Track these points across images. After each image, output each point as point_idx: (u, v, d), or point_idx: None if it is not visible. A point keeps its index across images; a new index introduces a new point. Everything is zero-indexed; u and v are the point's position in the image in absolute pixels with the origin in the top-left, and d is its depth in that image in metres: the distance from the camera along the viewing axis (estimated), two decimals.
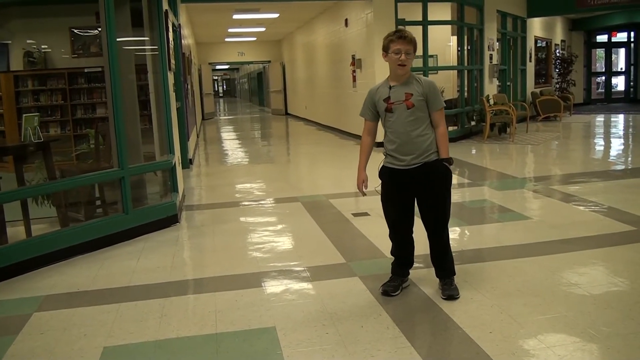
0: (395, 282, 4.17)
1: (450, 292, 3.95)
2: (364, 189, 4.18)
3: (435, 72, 14.13)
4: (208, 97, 25.98)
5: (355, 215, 6.48)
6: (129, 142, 5.87)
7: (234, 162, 11.94)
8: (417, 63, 13.66)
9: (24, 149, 6.05)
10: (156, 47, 6.76)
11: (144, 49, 6.94)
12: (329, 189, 8.21)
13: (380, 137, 4.03)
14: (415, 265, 4.33)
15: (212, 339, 3.55)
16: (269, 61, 26.91)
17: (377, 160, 4.21)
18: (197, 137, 16.00)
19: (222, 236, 5.95)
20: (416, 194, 4.03)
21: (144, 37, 6.87)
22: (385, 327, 3.56)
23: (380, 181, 4.15)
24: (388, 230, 4.21)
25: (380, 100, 3.99)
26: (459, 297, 3.95)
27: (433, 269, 4.20)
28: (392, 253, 4.28)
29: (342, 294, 4.17)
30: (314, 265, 4.85)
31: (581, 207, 6.47)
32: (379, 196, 4.19)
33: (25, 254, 4.99)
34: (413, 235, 4.19)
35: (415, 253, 4.28)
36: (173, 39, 8.11)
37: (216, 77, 56.54)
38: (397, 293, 4.11)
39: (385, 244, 5.19)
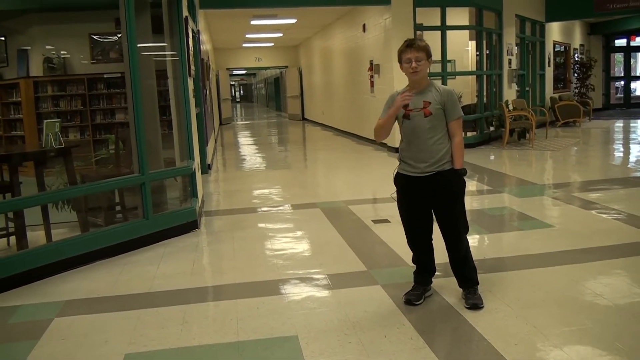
0: (418, 291, 4.14)
1: (474, 301, 3.92)
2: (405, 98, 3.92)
3: (454, 77, 14.08)
4: (225, 103, 26.05)
5: (375, 222, 6.44)
6: (149, 147, 5.88)
7: (252, 168, 11.94)
8: (436, 68, 13.62)
9: (45, 154, 6.08)
10: (176, 53, 6.78)
11: (164, 54, 6.96)
12: (348, 195, 8.17)
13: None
14: (437, 274, 4.29)
15: (233, 346, 3.53)
16: (286, 66, 26.95)
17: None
18: (215, 142, 16.03)
19: (241, 242, 5.94)
20: (430, 202, 4.02)
21: (164, 43, 6.89)
22: (409, 338, 3.53)
23: (395, 188, 4.16)
24: (406, 237, 4.20)
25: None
26: (483, 307, 3.90)
27: (455, 277, 4.16)
28: (413, 261, 4.26)
29: (364, 302, 4.14)
30: (335, 272, 4.82)
31: (603, 215, 6.39)
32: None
33: (46, 259, 5.02)
34: (432, 242, 4.17)
35: (436, 261, 4.25)
36: (192, 45, 8.12)
37: (233, 83, 56.73)
38: (419, 302, 4.08)
39: (406, 252, 5.13)
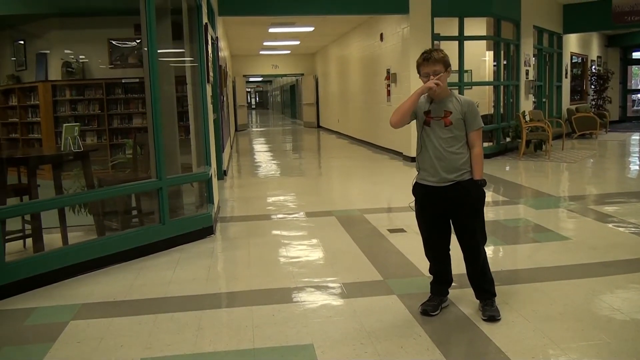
0: (435, 302, 4.12)
1: (491, 313, 3.89)
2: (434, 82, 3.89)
3: (470, 87, 14.05)
4: (241, 109, 26.13)
5: (391, 231, 6.43)
6: (166, 153, 5.91)
7: (267, 175, 11.96)
8: (453, 78, 13.60)
9: (64, 157, 6.13)
10: (195, 59, 6.82)
11: (183, 60, 7.00)
12: (363, 204, 8.16)
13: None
14: (453, 284, 4.27)
15: (249, 354, 3.53)
16: (302, 74, 27.03)
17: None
18: (231, 149, 16.08)
19: (257, 249, 5.94)
20: (449, 212, 4.01)
21: (183, 49, 6.93)
22: (425, 349, 3.51)
23: (414, 198, 4.13)
24: (424, 247, 4.18)
25: (421, 111, 3.99)
26: (500, 319, 3.87)
27: (471, 288, 4.14)
28: (430, 272, 4.24)
29: (380, 312, 4.13)
30: (351, 281, 4.81)
31: (620, 229, 6.34)
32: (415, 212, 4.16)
33: (62, 262, 5.05)
34: (450, 253, 4.15)
35: (453, 272, 4.22)
36: (211, 52, 8.17)
37: (249, 89, 56.92)
38: (436, 313, 4.06)
39: (422, 262, 5.12)
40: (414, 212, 4.16)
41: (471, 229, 3.98)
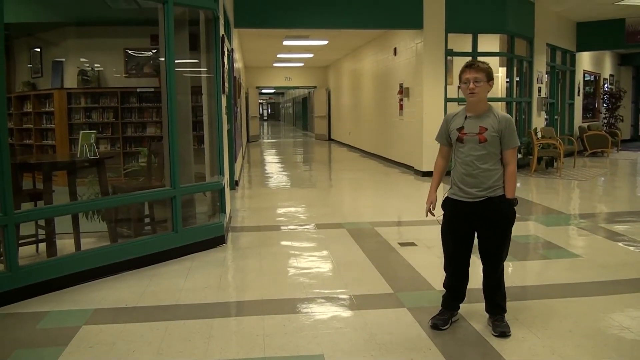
0: (445, 316, 4.13)
1: (502, 329, 3.89)
2: (431, 210, 4.16)
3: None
4: (253, 120, 26.27)
5: (401, 244, 6.45)
6: (181, 162, 5.97)
7: (278, 186, 12.02)
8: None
9: (80, 164, 6.19)
10: (211, 70, 6.89)
11: (200, 71, 7.07)
12: (374, 217, 8.18)
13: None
14: (465, 299, 4.28)
15: None
16: (315, 87, 27.14)
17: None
18: (242, 159, 16.15)
19: (268, 259, 5.98)
20: (477, 227, 4.01)
21: (199, 60, 7.00)
22: None
23: (442, 212, 4.14)
24: (442, 261, 4.18)
25: (454, 129, 3.99)
26: (510, 335, 3.88)
27: (483, 304, 4.16)
28: (444, 285, 4.23)
29: (390, 324, 4.15)
30: (361, 293, 4.83)
31: (630, 248, 6.33)
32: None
33: (75, 267, 5.10)
34: (469, 270, 4.16)
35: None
36: (227, 63, 8.24)
37: (261, 101, 57.12)
38: (446, 327, 4.07)
39: (433, 276, 5.19)
40: (435, 227, 4.16)
41: (497, 244, 3.98)
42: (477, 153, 3.89)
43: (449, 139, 4.06)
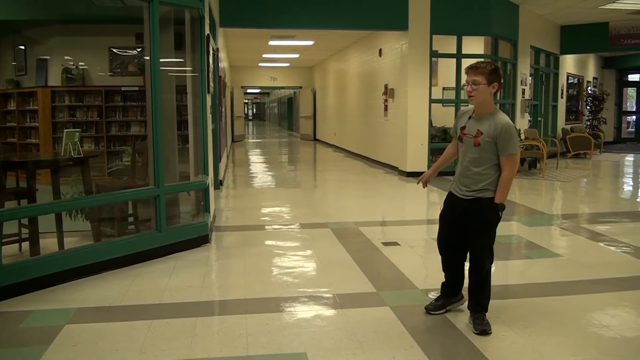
0: (439, 302, 4.29)
1: (482, 327, 3.94)
2: (422, 182, 4.37)
3: (466, 104, 14.14)
4: (238, 120, 26.21)
5: (385, 244, 6.48)
6: (165, 161, 5.96)
7: (263, 185, 12.02)
8: (449, 95, 13.75)
9: (64, 162, 6.17)
10: (196, 69, 6.88)
11: (184, 70, 7.06)
12: (358, 217, 8.20)
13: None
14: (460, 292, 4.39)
15: None
16: (300, 87, 27.16)
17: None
18: (227, 159, 16.12)
19: (252, 259, 5.98)
20: (464, 224, 4.08)
21: (184, 59, 6.99)
22: None
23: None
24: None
25: (459, 126, 4.08)
26: (491, 333, 3.93)
27: (466, 303, 4.22)
28: (443, 269, 4.38)
29: (372, 323, 4.18)
30: (344, 292, 4.85)
31: (611, 247, 6.40)
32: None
33: (59, 266, 5.08)
34: (464, 260, 4.28)
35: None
36: (212, 62, 8.24)
37: (247, 101, 57.06)
38: (437, 312, 4.24)
39: (415, 275, 5.24)
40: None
41: (478, 245, 4.06)
42: (472, 155, 3.95)
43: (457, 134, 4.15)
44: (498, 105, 13.21)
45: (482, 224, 4.01)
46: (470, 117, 4.01)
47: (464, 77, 12.55)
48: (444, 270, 4.36)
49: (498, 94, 13.33)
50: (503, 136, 3.83)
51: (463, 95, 14.00)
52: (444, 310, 4.30)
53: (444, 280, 4.38)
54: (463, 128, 4.01)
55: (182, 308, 4.53)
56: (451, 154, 4.33)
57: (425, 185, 4.40)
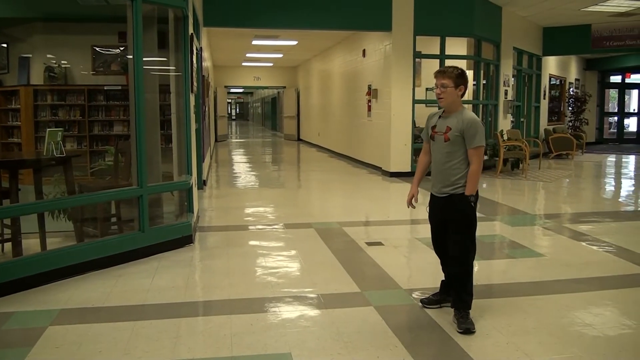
0: (435, 297, 4.45)
1: (466, 326, 3.97)
2: (412, 203, 4.44)
3: None
4: (222, 120, 26.14)
5: (369, 244, 6.49)
6: (148, 161, 5.93)
7: (246, 185, 11.99)
8: (432, 95, 13.77)
9: (46, 162, 6.12)
10: (180, 69, 6.86)
11: (168, 70, 7.03)
12: (342, 217, 8.22)
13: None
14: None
15: None
16: (284, 87, 27.13)
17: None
18: (211, 159, 16.07)
19: (236, 259, 5.97)
20: (445, 221, 4.19)
21: (168, 58, 6.96)
22: (402, 359, 3.57)
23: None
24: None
25: (430, 127, 4.24)
26: (475, 332, 3.96)
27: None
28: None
29: (357, 322, 4.19)
30: (329, 292, 4.86)
31: (594, 247, 6.46)
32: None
33: (41, 267, 5.04)
34: None
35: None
36: (196, 62, 8.21)
37: (230, 100, 56.91)
38: (430, 307, 4.41)
39: (399, 275, 5.28)
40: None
41: (455, 240, 4.15)
42: (443, 151, 4.12)
43: (429, 135, 4.29)
44: (480, 105, 13.34)
45: (459, 218, 4.13)
46: (440, 117, 4.19)
47: None
48: (442, 269, 4.48)
49: (481, 94, 13.43)
50: (469, 129, 4.03)
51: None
52: (438, 306, 4.42)
53: (443, 278, 4.50)
54: (434, 127, 4.20)
55: (166, 309, 4.51)
56: (426, 163, 4.45)
57: (414, 203, 4.45)
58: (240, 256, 6.10)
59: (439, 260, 4.49)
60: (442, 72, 4.08)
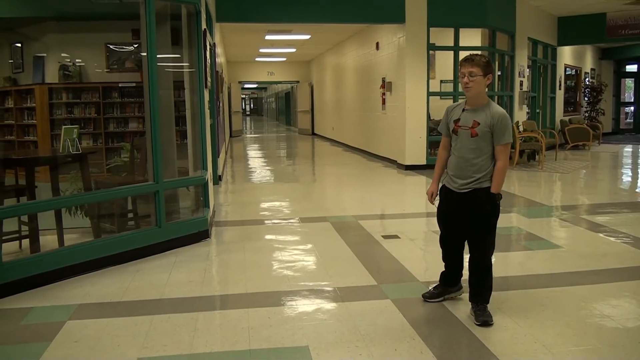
0: (436, 290, 4.38)
1: (484, 318, 3.95)
2: (432, 201, 4.33)
3: (464, 97, 14.14)
4: (236, 115, 26.18)
5: (385, 237, 6.48)
6: (164, 156, 5.95)
7: (261, 180, 12.02)
8: (447, 87, 13.73)
9: (63, 159, 6.16)
10: (193, 64, 6.87)
11: (182, 66, 7.05)
12: (357, 210, 8.21)
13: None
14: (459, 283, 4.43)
15: (245, 355, 3.57)
16: (298, 81, 27.13)
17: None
18: (225, 154, 16.11)
19: (252, 253, 5.99)
20: (463, 217, 4.10)
21: (182, 54, 6.98)
22: (419, 352, 3.56)
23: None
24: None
25: (452, 120, 4.10)
26: (492, 324, 3.93)
27: (467, 294, 4.23)
28: (442, 259, 4.44)
29: (374, 315, 4.18)
30: (345, 285, 4.86)
31: (611, 238, 6.41)
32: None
33: (59, 263, 5.08)
34: (462, 252, 4.31)
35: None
36: (209, 58, 8.22)
37: (244, 96, 57.01)
38: (433, 300, 4.35)
39: (416, 268, 5.26)
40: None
41: (478, 238, 4.08)
42: (469, 146, 3.98)
43: (449, 129, 4.16)
44: (495, 97, 13.26)
45: (481, 216, 4.02)
46: (463, 110, 4.05)
47: None
48: (444, 260, 4.40)
49: (496, 86, 13.37)
50: (500, 125, 3.91)
51: (461, 88, 14.02)
52: (441, 298, 4.37)
53: (443, 270, 4.42)
54: (457, 121, 4.04)
55: (183, 303, 4.53)
56: (445, 158, 4.29)
57: (434, 198, 4.37)
58: (256, 250, 6.12)
59: (443, 251, 4.39)
60: (469, 60, 3.93)
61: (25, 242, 5.86)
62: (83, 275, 5.18)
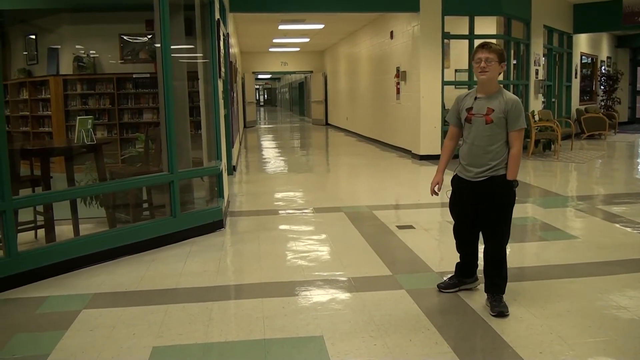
0: (451, 281, 4.37)
1: (500, 309, 3.92)
2: (435, 190, 4.31)
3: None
4: (250, 106, 26.20)
5: (399, 227, 6.46)
6: (178, 147, 5.96)
7: (275, 171, 12.02)
8: (462, 77, 13.65)
9: (78, 150, 6.20)
10: (207, 55, 6.87)
11: (196, 56, 7.05)
12: (372, 201, 8.19)
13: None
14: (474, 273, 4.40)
15: (260, 344, 3.58)
16: (311, 71, 27.07)
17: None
18: (240, 144, 16.13)
19: (266, 243, 5.99)
20: (478, 206, 4.07)
21: (195, 45, 6.98)
22: (434, 342, 3.55)
23: (450, 188, 4.29)
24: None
25: (464, 109, 4.08)
26: (508, 315, 3.91)
27: (482, 285, 4.21)
28: (457, 250, 4.43)
29: (388, 305, 4.17)
30: (360, 275, 4.85)
31: (628, 229, 6.35)
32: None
33: (74, 252, 5.11)
34: (477, 242, 4.30)
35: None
36: (223, 48, 8.22)
37: (258, 86, 57.02)
38: (448, 290, 4.33)
39: (431, 258, 5.24)
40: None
41: (494, 225, 4.05)
42: (484, 134, 3.96)
43: (459, 119, 4.15)
44: (510, 86, 13.17)
45: (498, 204, 4.00)
46: (476, 98, 4.03)
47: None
48: (458, 250, 4.38)
49: (511, 74, 13.25)
50: (514, 111, 3.91)
51: (475, 74, 13.92)
52: (456, 289, 4.36)
53: (458, 260, 4.40)
54: (470, 109, 4.03)
55: (198, 292, 4.54)
56: (452, 148, 4.32)
57: (439, 190, 4.35)
58: (270, 240, 6.12)
59: (457, 242, 4.38)
60: (487, 46, 3.95)
61: (41, 232, 5.89)
62: (98, 264, 5.21)
